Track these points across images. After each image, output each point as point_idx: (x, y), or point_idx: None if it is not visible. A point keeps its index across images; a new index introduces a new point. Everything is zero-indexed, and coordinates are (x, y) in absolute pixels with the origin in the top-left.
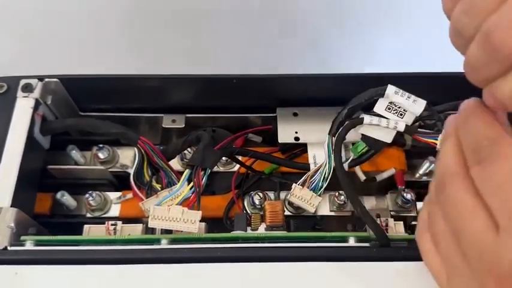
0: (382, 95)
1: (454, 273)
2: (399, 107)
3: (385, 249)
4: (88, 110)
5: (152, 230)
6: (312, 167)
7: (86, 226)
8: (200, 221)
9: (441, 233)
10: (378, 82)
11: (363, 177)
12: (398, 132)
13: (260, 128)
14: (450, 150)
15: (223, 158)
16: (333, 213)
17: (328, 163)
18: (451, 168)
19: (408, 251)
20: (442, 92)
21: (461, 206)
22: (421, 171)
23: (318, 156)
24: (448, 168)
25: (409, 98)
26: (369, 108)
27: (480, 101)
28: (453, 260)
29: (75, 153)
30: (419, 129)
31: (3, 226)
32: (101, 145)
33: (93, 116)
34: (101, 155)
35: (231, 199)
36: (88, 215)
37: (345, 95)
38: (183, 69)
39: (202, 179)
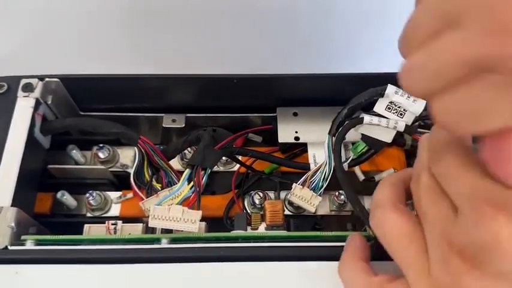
0: (382, 95)
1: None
2: (399, 107)
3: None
4: (88, 109)
5: (152, 230)
6: (312, 167)
7: (86, 226)
8: (200, 221)
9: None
10: (377, 82)
11: (361, 177)
12: (398, 132)
13: (260, 127)
14: (424, 152)
15: (224, 158)
16: (333, 213)
17: (328, 163)
18: (422, 164)
19: None
20: None
21: (428, 194)
22: None
23: (318, 156)
24: (420, 164)
25: (409, 97)
26: (368, 108)
27: None
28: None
29: (76, 153)
30: (419, 129)
31: (3, 226)
32: (101, 145)
33: (94, 116)
34: (101, 155)
35: (231, 199)
36: (88, 214)
37: (345, 95)
38: (183, 68)
39: (203, 178)
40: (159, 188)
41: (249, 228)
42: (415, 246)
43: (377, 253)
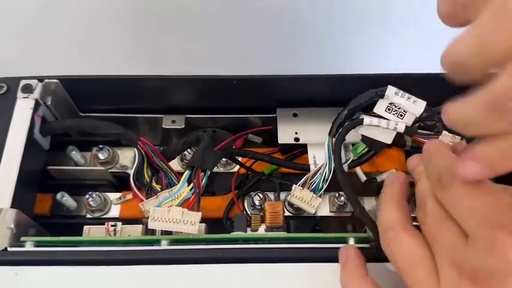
0: (382, 96)
1: None
2: (399, 108)
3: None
4: (88, 110)
5: (152, 231)
6: (312, 168)
7: (85, 227)
8: (200, 222)
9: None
10: (378, 83)
11: (363, 177)
12: (398, 133)
13: (260, 128)
14: (423, 178)
15: (223, 159)
16: (332, 214)
17: (328, 164)
18: (426, 191)
19: None
20: (442, 93)
21: (436, 220)
22: None
23: (318, 157)
24: (424, 192)
25: (409, 99)
26: (369, 109)
27: (439, 141)
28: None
29: (75, 154)
30: (419, 130)
31: (3, 227)
32: (100, 146)
33: (93, 117)
34: (101, 156)
35: (231, 200)
36: (88, 215)
37: (345, 96)
38: (183, 69)
39: (202, 179)
40: (159, 189)
41: (248, 229)
42: (426, 269)
43: (377, 255)
